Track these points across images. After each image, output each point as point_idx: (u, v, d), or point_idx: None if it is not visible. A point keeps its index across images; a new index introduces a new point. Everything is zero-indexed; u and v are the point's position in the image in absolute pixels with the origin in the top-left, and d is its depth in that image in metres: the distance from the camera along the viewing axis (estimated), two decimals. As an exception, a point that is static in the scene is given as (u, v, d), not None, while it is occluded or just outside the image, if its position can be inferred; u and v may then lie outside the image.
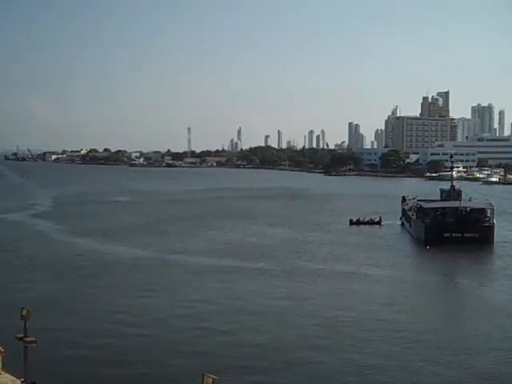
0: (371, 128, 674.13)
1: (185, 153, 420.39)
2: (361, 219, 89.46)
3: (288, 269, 55.96)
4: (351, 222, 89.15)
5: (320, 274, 53.82)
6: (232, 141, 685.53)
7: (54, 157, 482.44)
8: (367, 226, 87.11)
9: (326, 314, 40.70)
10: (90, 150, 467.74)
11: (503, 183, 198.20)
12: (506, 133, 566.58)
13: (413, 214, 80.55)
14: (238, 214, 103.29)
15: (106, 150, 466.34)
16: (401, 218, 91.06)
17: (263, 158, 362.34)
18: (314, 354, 32.89)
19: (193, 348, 33.66)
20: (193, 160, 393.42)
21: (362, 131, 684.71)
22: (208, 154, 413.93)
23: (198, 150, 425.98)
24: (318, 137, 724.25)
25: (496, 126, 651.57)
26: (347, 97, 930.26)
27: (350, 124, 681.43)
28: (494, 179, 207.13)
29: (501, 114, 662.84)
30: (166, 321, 38.82)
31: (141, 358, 32.03)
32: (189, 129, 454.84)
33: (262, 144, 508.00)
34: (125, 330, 36.76)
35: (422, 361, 32.01)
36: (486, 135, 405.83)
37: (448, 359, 32.23)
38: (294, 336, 35.83)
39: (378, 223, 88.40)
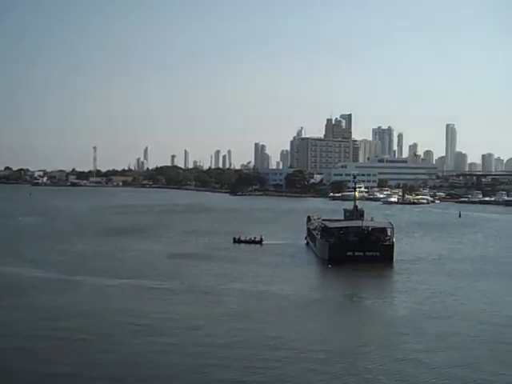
0: (277, 148, 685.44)
1: (90, 172, 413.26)
2: (242, 238, 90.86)
3: (188, 287, 56.14)
4: (234, 240, 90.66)
5: (219, 293, 54.03)
6: (138, 160, 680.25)
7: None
8: (248, 245, 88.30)
9: (212, 332, 41.09)
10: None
11: (401, 203, 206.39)
12: (405, 154, 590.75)
13: (317, 234, 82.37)
14: (136, 230, 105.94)
15: (7, 168, 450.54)
16: (306, 238, 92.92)
17: (169, 177, 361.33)
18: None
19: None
20: (98, 179, 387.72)
21: (267, 152, 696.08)
22: (114, 173, 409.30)
23: (103, 169, 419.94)
24: (224, 157, 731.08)
25: (395, 147, 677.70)
26: (254, 117, 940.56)
27: (256, 144, 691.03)
28: (393, 199, 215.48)
29: (399, 136, 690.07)
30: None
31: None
32: (94, 147, 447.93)
33: (169, 164, 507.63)
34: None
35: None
36: (386, 157, 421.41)
37: (337, 371, 33.75)
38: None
39: (259, 242, 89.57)
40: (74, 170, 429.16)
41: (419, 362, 35.54)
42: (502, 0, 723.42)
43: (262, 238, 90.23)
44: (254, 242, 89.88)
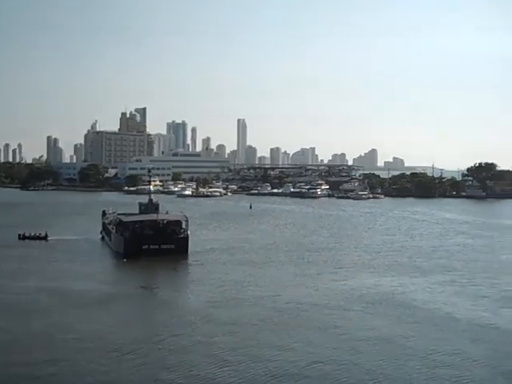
0: (71, 142, 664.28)
1: None
2: (27, 234, 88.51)
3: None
4: (19, 237, 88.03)
5: (8, 291, 52.65)
6: None
7: None
8: (34, 241, 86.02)
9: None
10: None
11: (195, 196, 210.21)
12: (198, 148, 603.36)
13: (113, 228, 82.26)
14: None
15: None
16: (101, 232, 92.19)
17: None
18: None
19: None
20: None
21: (61, 145, 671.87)
22: None
23: None
24: (14, 150, 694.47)
25: (189, 141, 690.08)
26: (46, 109, 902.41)
27: (49, 138, 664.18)
28: (187, 192, 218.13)
29: (193, 130, 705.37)
30: None
31: None
32: None
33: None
34: None
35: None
36: (181, 150, 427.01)
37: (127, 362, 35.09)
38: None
39: (44, 238, 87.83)
40: None
41: (207, 348, 37.71)
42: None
43: (46, 234, 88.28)
44: (38, 238, 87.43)
